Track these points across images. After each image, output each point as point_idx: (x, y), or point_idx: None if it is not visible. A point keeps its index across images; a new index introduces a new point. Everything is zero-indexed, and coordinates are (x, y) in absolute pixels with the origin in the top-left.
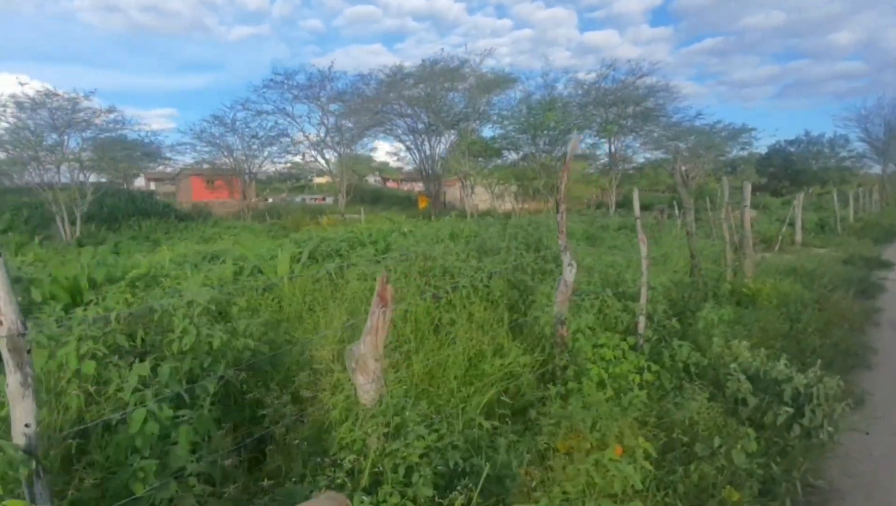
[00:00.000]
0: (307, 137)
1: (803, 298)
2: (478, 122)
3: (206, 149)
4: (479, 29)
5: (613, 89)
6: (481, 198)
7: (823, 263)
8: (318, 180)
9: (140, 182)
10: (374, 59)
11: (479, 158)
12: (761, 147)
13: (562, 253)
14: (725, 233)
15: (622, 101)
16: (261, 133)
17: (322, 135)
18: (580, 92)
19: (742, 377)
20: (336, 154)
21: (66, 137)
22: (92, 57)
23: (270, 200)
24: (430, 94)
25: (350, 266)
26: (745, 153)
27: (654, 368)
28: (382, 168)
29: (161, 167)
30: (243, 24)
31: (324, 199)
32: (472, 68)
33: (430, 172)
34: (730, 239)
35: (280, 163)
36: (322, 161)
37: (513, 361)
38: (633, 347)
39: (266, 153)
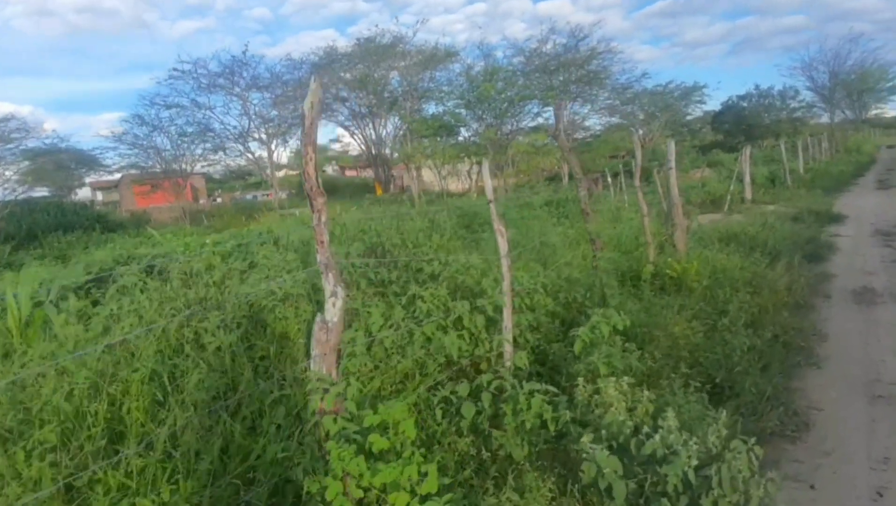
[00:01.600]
0: (229, 131)
1: (737, 276)
2: (420, 100)
3: (131, 151)
4: (432, 7)
5: (556, 55)
6: (433, 179)
7: (769, 223)
8: (278, 174)
9: (86, 192)
10: (329, 45)
11: (425, 139)
12: (715, 105)
13: (323, 277)
14: (641, 204)
15: (565, 67)
16: (190, 130)
17: (246, 126)
18: (522, 60)
19: (604, 453)
20: (264, 147)
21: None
22: (32, 66)
23: (219, 200)
24: (367, 75)
25: None
26: (700, 113)
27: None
28: (340, 157)
29: (103, 175)
30: (187, 18)
31: (273, 194)
32: (411, 45)
33: (378, 156)
34: (648, 212)
35: (213, 161)
36: (249, 155)
37: None
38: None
39: (199, 151)
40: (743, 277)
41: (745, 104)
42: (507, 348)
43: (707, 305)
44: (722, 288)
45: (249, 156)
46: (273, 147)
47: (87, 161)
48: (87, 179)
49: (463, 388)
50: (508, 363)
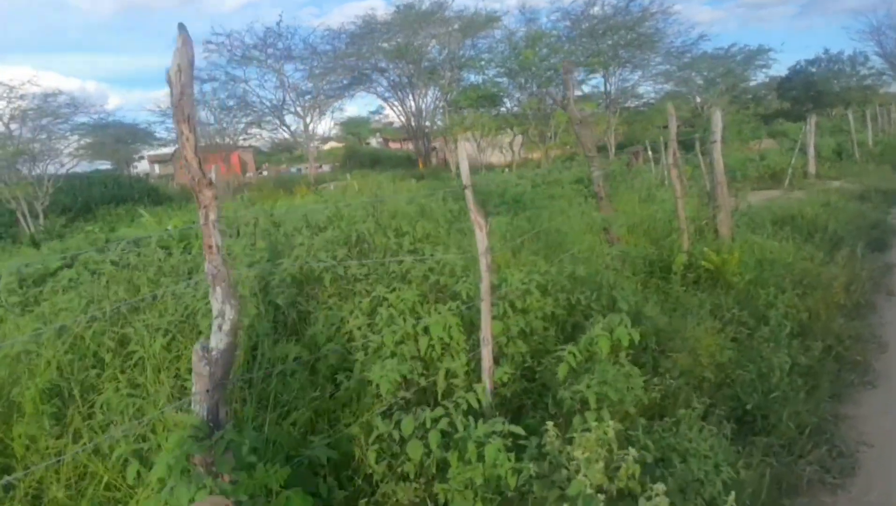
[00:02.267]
0: (265, 104)
1: (787, 270)
2: (461, 70)
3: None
4: None
5: (604, 17)
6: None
7: (832, 202)
8: (325, 147)
9: (145, 166)
10: (367, 13)
11: (464, 110)
12: (781, 70)
13: (210, 291)
14: (675, 183)
15: (614, 30)
16: (230, 103)
17: (282, 99)
18: (568, 24)
19: None
20: (300, 119)
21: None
22: (89, 43)
23: (265, 173)
24: (407, 44)
25: None
26: (765, 78)
27: None
28: (385, 129)
29: (159, 150)
30: None
31: (321, 167)
32: (451, 11)
33: (418, 129)
34: (683, 193)
35: (254, 135)
36: (285, 129)
37: None
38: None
39: (241, 124)
40: (795, 270)
41: (813, 70)
42: (486, 363)
43: (745, 308)
44: (765, 287)
45: (285, 130)
46: (309, 120)
47: (142, 135)
48: (146, 153)
49: (407, 423)
50: (486, 381)
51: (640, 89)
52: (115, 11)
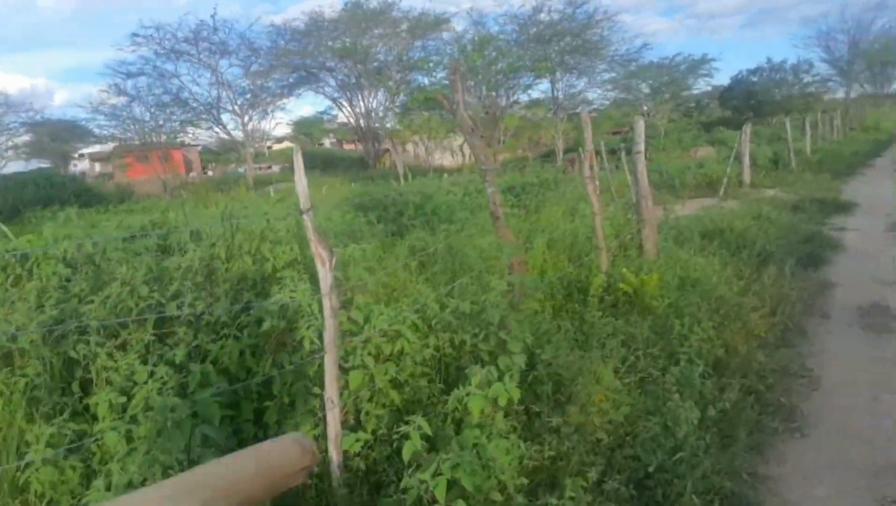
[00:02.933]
0: (199, 102)
1: (705, 296)
2: (409, 71)
3: (110, 122)
4: None
5: (551, 23)
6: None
7: (764, 213)
8: (277, 147)
9: (86, 164)
10: (314, 10)
11: (412, 113)
12: (725, 79)
13: None
14: (592, 199)
15: (560, 35)
16: (166, 100)
17: (216, 96)
18: (515, 28)
19: None
20: (237, 118)
21: None
22: (40, 39)
23: (210, 173)
24: (354, 43)
25: None
26: (708, 87)
27: None
28: (339, 129)
29: (96, 147)
30: None
31: (269, 167)
32: (399, 11)
33: (367, 130)
34: (600, 209)
35: (190, 133)
36: (219, 129)
37: None
38: None
39: (179, 122)
40: (716, 294)
41: (754, 78)
42: (331, 431)
43: (662, 338)
44: (682, 316)
45: (220, 129)
46: (248, 119)
47: (80, 133)
48: (87, 151)
49: None
50: (333, 453)
51: (590, 96)
52: (70, 7)
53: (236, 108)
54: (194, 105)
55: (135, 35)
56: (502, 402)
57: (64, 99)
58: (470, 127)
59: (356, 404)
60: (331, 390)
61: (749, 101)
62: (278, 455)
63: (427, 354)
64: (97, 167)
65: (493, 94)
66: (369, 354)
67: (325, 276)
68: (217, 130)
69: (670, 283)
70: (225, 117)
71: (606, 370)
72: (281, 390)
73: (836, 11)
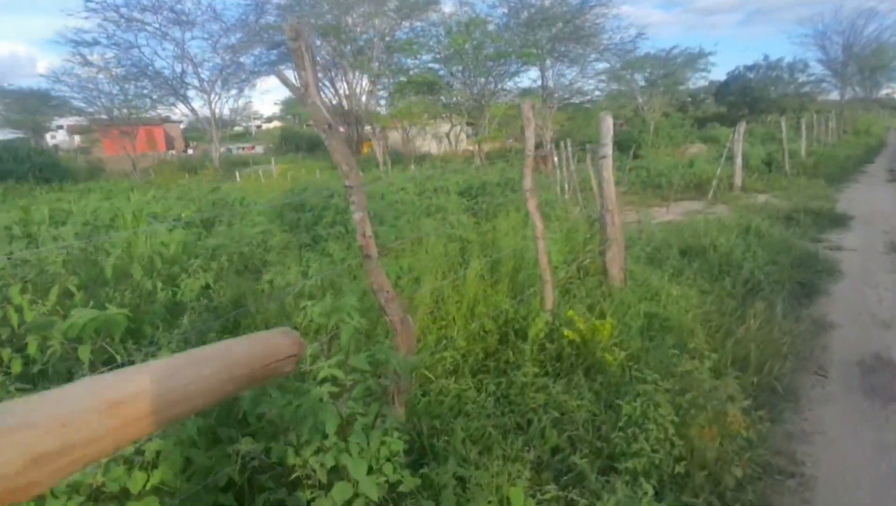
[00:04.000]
0: (161, 76)
1: (664, 365)
2: (395, 53)
3: (76, 94)
4: None
5: (542, 7)
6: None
7: (754, 227)
8: (268, 127)
9: (63, 136)
10: None
11: (402, 95)
12: (721, 75)
13: None
14: (535, 218)
15: (550, 21)
16: (133, 72)
17: (179, 71)
18: (505, 11)
19: None
20: (204, 96)
21: None
22: (36, 3)
23: (191, 152)
24: (338, 22)
25: None
26: (705, 82)
27: None
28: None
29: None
30: None
31: (253, 148)
32: None
33: (350, 113)
34: (543, 232)
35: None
36: (184, 106)
37: None
38: None
39: (154, 97)
40: (680, 368)
41: (751, 75)
42: None
43: (608, 416)
44: (641, 381)
45: (184, 107)
46: (216, 97)
47: (55, 104)
48: (66, 123)
49: None
50: None
51: (585, 86)
52: None
53: (205, 84)
54: (156, 80)
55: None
56: None
57: (46, 67)
58: (325, 122)
59: None
60: None
61: (745, 97)
62: (270, 342)
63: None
64: (77, 140)
65: (483, 80)
66: None
67: None
68: (182, 107)
69: (632, 326)
70: (193, 94)
71: (518, 492)
72: None
73: (831, 14)
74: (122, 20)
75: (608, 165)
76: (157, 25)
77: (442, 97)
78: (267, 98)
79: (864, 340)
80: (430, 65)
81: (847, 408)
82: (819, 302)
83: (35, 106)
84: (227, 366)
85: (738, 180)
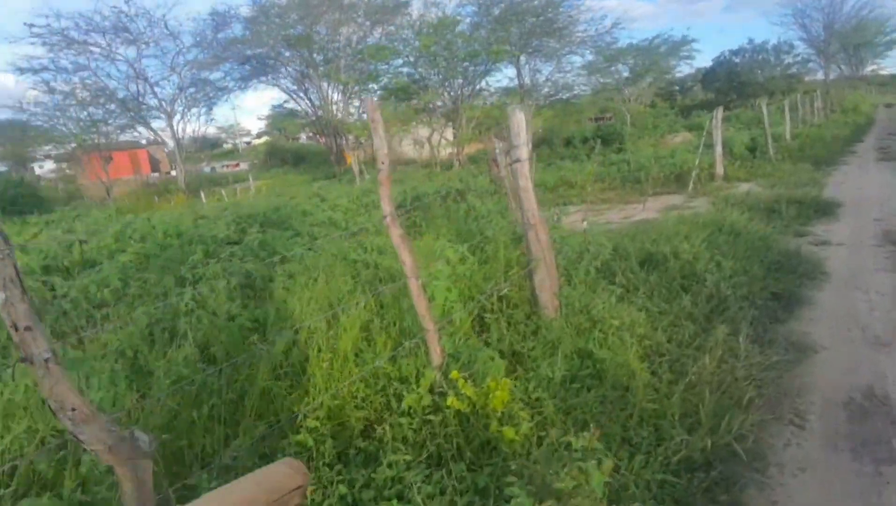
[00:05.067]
0: (117, 99)
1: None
2: (360, 61)
3: (48, 123)
4: None
5: (512, 3)
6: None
7: (729, 223)
8: (256, 142)
9: (50, 165)
10: None
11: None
12: (707, 62)
13: None
14: (400, 249)
15: (520, 16)
16: (97, 97)
17: (136, 92)
18: (475, 10)
19: None
20: (165, 116)
21: None
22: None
23: (172, 173)
24: (308, 31)
25: None
26: (691, 69)
27: None
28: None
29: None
30: None
31: (237, 165)
32: None
33: (326, 124)
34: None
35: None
36: (145, 129)
37: None
38: None
39: (124, 120)
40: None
41: (737, 60)
42: None
43: None
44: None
45: (144, 128)
46: (179, 117)
47: (35, 134)
48: (52, 152)
49: None
50: None
51: (570, 81)
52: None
53: (164, 104)
54: (118, 104)
55: (31, 25)
56: None
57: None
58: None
59: None
60: None
61: (732, 82)
62: (274, 477)
63: None
64: (64, 168)
65: (459, 81)
66: None
67: None
68: (141, 128)
69: (553, 377)
70: (161, 115)
71: None
72: None
73: None
74: (72, 43)
75: (524, 170)
76: (104, 45)
77: (416, 101)
78: (206, 117)
79: (852, 366)
80: (402, 69)
81: (829, 477)
82: (799, 316)
83: (16, 136)
84: None
85: (719, 169)
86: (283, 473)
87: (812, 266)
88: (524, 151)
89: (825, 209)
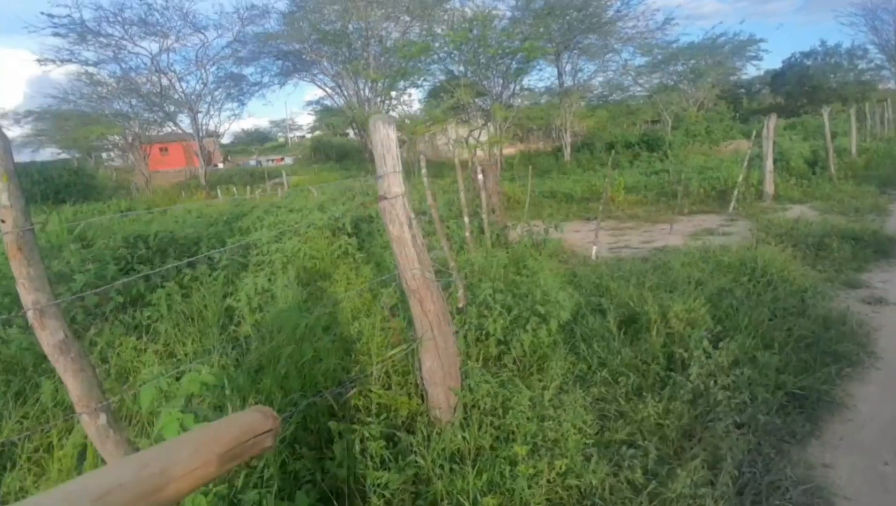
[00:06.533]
0: (145, 92)
1: None
2: (390, 55)
3: (101, 113)
4: None
5: None
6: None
7: (763, 264)
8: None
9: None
10: None
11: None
12: (775, 63)
13: None
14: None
15: (562, 10)
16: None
17: (161, 87)
18: (514, 4)
19: None
20: (189, 112)
21: None
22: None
23: (220, 166)
24: (344, 26)
25: None
26: (759, 71)
27: None
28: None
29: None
30: None
31: (282, 159)
32: None
33: (361, 119)
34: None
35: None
36: (173, 125)
37: None
38: None
39: (160, 114)
40: None
41: (808, 63)
42: None
43: None
44: None
45: (172, 124)
46: (205, 112)
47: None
48: (119, 141)
49: None
50: None
51: (624, 81)
52: None
53: (190, 98)
54: (146, 96)
55: (50, 16)
56: None
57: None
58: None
59: None
60: None
61: (802, 86)
62: (245, 421)
63: None
64: (113, 158)
65: (500, 80)
66: None
67: None
68: (171, 124)
69: None
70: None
71: None
72: None
73: None
74: (98, 35)
75: (398, 211)
76: (120, 36)
77: (451, 99)
78: (229, 114)
79: None
80: (433, 66)
81: None
82: (822, 433)
83: (76, 126)
84: (206, 446)
85: (768, 187)
86: (254, 418)
87: (858, 342)
88: (396, 183)
89: (887, 249)
